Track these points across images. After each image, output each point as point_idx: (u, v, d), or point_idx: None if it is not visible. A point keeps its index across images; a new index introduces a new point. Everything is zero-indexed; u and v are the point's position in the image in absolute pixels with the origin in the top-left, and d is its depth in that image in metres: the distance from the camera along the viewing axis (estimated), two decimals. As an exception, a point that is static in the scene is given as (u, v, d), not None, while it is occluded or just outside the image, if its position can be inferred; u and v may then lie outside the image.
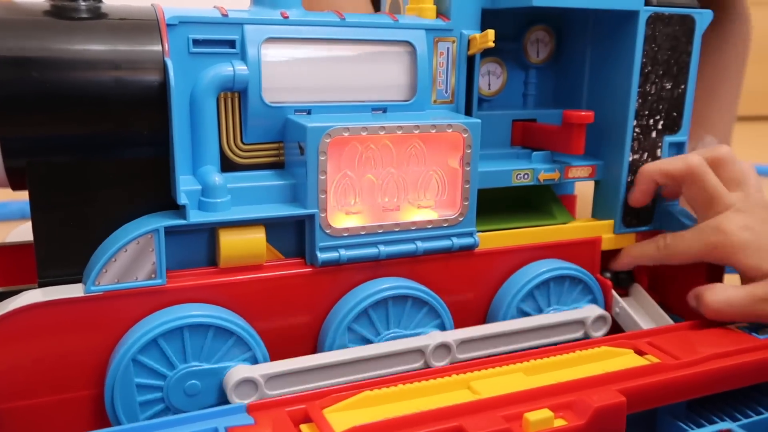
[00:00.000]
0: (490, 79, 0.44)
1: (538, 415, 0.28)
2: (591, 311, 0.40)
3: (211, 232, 0.34)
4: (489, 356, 0.35)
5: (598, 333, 0.40)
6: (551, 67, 0.46)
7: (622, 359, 0.35)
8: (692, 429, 0.34)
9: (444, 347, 0.36)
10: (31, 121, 0.30)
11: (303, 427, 0.28)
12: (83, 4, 0.32)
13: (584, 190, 0.49)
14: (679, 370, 0.33)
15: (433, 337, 0.36)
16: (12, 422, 0.31)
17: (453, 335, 0.36)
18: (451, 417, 0.28)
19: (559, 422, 0.29)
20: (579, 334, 0.39)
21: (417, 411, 0.28)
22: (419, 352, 0.35)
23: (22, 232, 0.44)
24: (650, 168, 0.40)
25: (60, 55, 0.30)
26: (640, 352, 0.35)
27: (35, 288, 0.32)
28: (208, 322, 0.32)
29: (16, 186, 0.32)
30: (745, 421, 0.33)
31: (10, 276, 0.38)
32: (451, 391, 0.31)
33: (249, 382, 0.31)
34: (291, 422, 0.28)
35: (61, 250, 0.32)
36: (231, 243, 0.33)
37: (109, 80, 0.31)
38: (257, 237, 0.33)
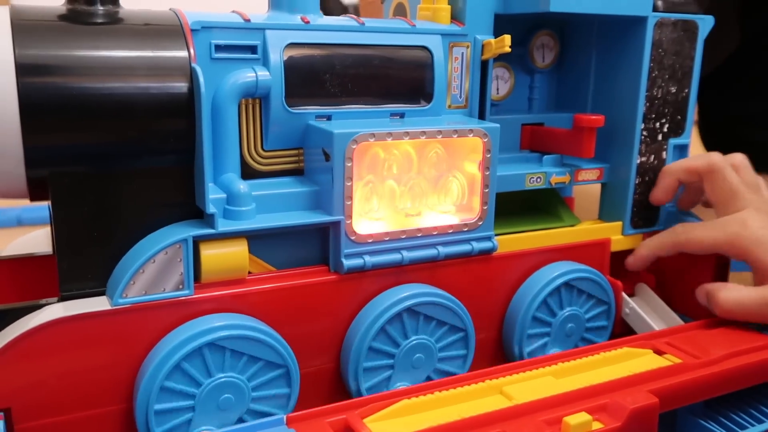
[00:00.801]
0: (498, 83, 0.44)
1: (577, 418, 0.29)
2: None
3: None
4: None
5: None
6: (556, 71, 0.46)
7: (645, 360, 0.35)
8: (712, 426, 0.35)
9: None
10: (55, 130, 0.29)
11: (345, 438, 0.28)
12: (101, 8, 0.31)
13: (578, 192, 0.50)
14: (702, 369, 0.34)
15: None
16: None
17: None
18: (492, 423, 0.28)
19: (597, 425, 0.29)
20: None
21: (458, 418, 0.28)
22: None
23: (21, 244, 0.43)
24: (674, 166, 0.42)
25: (85, 61, 0.29)
26: (659, 352, 0.36)
27: (56, 302, 0.31)
28: (241, 335, 0.31)
29: (35, 197, 0.31)
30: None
31: (15, 291, 0.37)
32: (485, 397, 0.31)
33: None
34: (334, 433, 0.27)
35: (83, 262, 0.31)
36: (212, 257, 0.32)
37: (135, 87, 0.30)
38: (239, 250, 0.32)
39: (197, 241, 0.31)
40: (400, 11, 0.44)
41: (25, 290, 0.37)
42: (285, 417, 0.28)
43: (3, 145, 0.28)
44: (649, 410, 0.30)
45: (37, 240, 0.41)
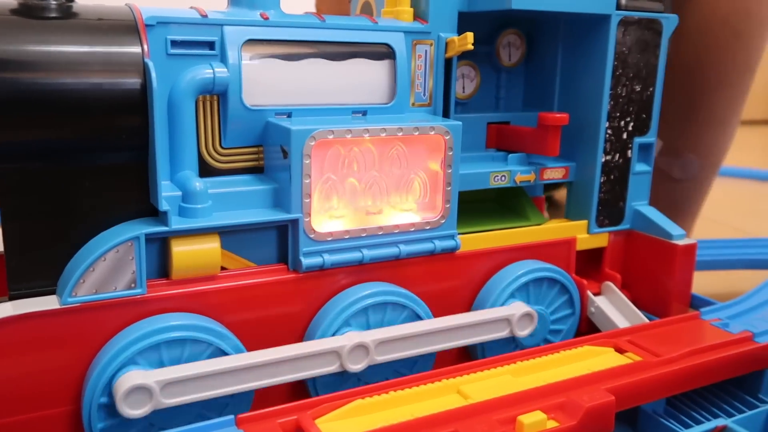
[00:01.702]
0: (464, 82, 0.44)
1: (532, 417, 0.28)
2: (517, 308, 0.38)
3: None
4: (410, 356, 0.35)
5: (524, 331, 0.38)
6: (522, 70, 0.46)
7: (605, 357, 0.35)
8: (673, 425, 0.34)
9: (361, 348, 0.34)
10: (4, 126, 0.28)
11: (296, 439, 0.27)
12: (53, 3, 0.30)
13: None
14: (662, 367, 0.34)
15: (350, 338, 0.33)
16: (-13, 443, 0.29)
17: (371, 335, 0.34)
18: (446, 422, 0.28)
19: (552, 423, 0.29)
20: (505, 333, 0.38)
21: (411, 418, 0.28)
22: (335, 353, 0.33)
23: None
24: None
25: (35, 56, 0.29)
26: (620, 350, 0.36)
27: (5, 301, 0.30)
28: (191, 337, 0.31)
29: (-15, 193, 0.30)
30: (739, 416, 0.33)
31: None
32: (441, 396, 0.31)
33: (142, 390, 0.29)
34: (285, 434, 0.27)
35: (34, 260, 0.30)
36: (184, 254, 0.31)
37: (87, 82, 0.29)
38: (212, 247, 0.32)
39: (168, 238, 0.31)
40: (366, 9, 0.44)
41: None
42: (235, 417, 0.28)
43: (-53, 141, 0.28)
44: (605, 408, 0.30)
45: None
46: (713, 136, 0.55)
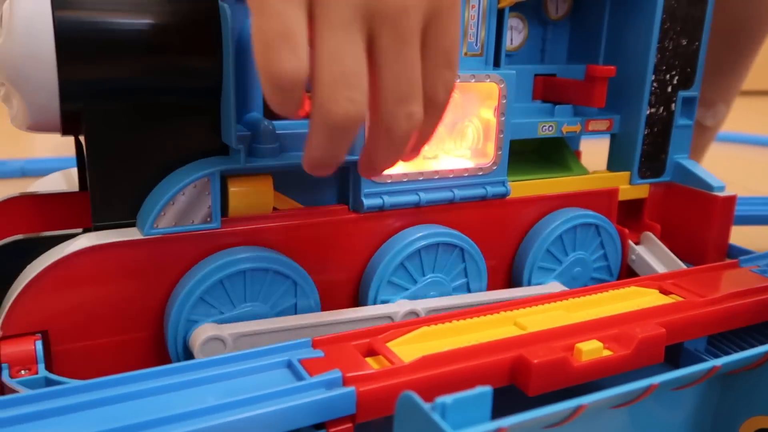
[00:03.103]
0: (513, 34, 0.45)
1: (589, 345, 0.30)
2: (554, 287, 0.40)
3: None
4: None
5: None
6: (568, 23, 0.47)
7: (650, 297, 0.37)
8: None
9: (412, 314, 0.36)
10: (89, 64, 0.30)
11: (369, 359, 0.29)
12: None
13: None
14: (706, 306, 0.35)
15: (401, 305, 0.36)
16: (71, 363, 0.31)
17: (422, 304, 0.36)
18: (509, 348, 0.30)
19: (607, 352, 0.31)
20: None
21: (479, 342, 0.30)
22: (388, 318, 0.35)
23: (43, 184, 0.44)
24: None
25: (116, -3, 0.30)
26: (665, 292, 0.38)
27: (90, 231, 0.32)
28: (270, 267, 0.33)
29: (67, 131, 0.32)
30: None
31: (42, 224, 0.38)
32: (499, 327, 0.33)
33: (217, 341, 0.31)
34: (359, 354, 0.29)
35: (114, 194, 0.32)
36: (239, 193, 0.33)
37: (165, 23, 0.31)
38: (264, 187, 0.34)
39: (225, 177, 0.32)
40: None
41: (52, 225, 0.38)
42: (312, 339, 0.30)
43: (39, 79, 0.29)
44: (657, 340, 0.31)
45: (57, 180, 0.42)
46: (740, 85, 0.57)
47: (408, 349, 0.30)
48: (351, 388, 0.26)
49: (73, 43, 0.29)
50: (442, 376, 0.28)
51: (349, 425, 0.27)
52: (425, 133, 0.30)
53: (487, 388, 0.21)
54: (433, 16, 0.27)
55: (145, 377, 0.27)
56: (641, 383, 0.24)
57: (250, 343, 0.32)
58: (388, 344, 0.30)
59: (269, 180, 0.34)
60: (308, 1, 0.25)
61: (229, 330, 0.31)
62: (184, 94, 0.32)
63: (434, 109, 0.29)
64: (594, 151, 0.55)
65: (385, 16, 0.25)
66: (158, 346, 0.33)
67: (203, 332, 0.31)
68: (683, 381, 0.25)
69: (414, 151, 0.30)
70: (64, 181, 0.42)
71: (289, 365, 0.28)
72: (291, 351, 0.29)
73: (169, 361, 0.33)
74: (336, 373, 0.27)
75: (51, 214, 0.38)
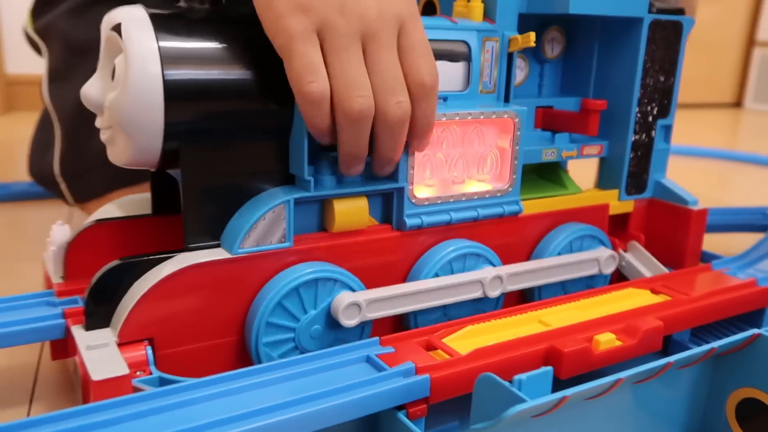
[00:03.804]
0: (515, 71, 0.52)
1: (605, 337, 0.37)
2: (603, 252, 0.49)
3: (321, 203, 0.40)
4: (531, 287, 0.45)
5: (609, 269, 0.49)
6: (562, 61, 0.54)
7: (645, 297, 0.44)
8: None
9: (498, 279, 0.44)
10: (190, 111, 0.35)
11: (431, 353, 0.35)
12: (208, 7, 0.37)
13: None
14: (691, 303, 0.42)
15: (488, 272, 0.44)
16: (172, 365, 0.36)
17: (504, 270, 0.44)
18: (543, 340, 0.36)
19: (618, 342, 0.37)
20: (595, 270, 0.48)
21: (515, 338, 0.36)
22: (479, 282, 0.43)
23: (105, 211, 0.48)
24: None
25: (210, 52, 0.36)
26: (655, 292, 0.45)
27: (182, 252, 0.37)
28: (334, 277, 0.38)
29: (160, 166, 0.37)
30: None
31: (126, 245, 0.43)
32: (528, 324, 0.39)
33: (354, 306, 0.38)
34: (422, 349, 0.35)
35: (203, 220, 0.37)
36: (343, 211, 0.39)
37: (249, 76, 0.36)
38: (362, 206, 0.40)
39: (331, 198, 0.39)
40: (429, 8, 0.51)
41: (131, 246, 0.43)
42: (379, 339, 0.36)
43: (147, 124, 0.35)
44: (657, 331, 0.38)
45: (115, 208, 0.47)
46: None
47: (460, 343, 0.36)
48: (426, 376, 0.32)
49: (178, 93, 0.35)
50: (493, 364, 0.34)
51: (424, 406, 0.33)
52: (427, 119, 0.38)
53: (549, 368, 0.28)
54: (402, 26, 0.37)
55: (246, 375, 0.33)
56: (660, 362, 0.30)
57: (378, 308, 0.39)
58: (444, 340, 0.36)
59: (365, 201, 0.40)
60: (321, 38, 0.35)
61: (363, 296, 0.38)
62: (261, 133, 0.38)
63: (426, 93, 0.37)
64: (575, 168, 0.62)
65: (371, 35, 0.35)
66: (240, 350, 0.38)
67: (343, 299, 0.38)
68: (690, 359, 0.32)
69: (424, 139, 0.39)
70: (118, 209, 0.47)
71: (369, 359, 0.34)
72: (366, 348, 0.35)
73: (248, 363, 0.38)
74: (410, 365, 0.33)
75: (128, 237, 0.43)
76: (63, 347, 0.39)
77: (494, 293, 0.44)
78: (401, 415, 0.32)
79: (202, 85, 0.35)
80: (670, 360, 0.30)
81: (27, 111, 1.47)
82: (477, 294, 0.43)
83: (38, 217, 0.75)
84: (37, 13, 0.65)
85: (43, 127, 0.65)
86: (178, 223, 0.43)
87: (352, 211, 0.40)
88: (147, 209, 0.44)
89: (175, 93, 0.34)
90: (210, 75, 0.35)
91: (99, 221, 0.42)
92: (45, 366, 0.44)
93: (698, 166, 1.15)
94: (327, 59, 0.35)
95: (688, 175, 1.01)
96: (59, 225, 0.43)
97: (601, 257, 0.48)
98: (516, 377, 0.27)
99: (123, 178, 0.57)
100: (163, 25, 0.35)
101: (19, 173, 0.93)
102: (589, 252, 0.48)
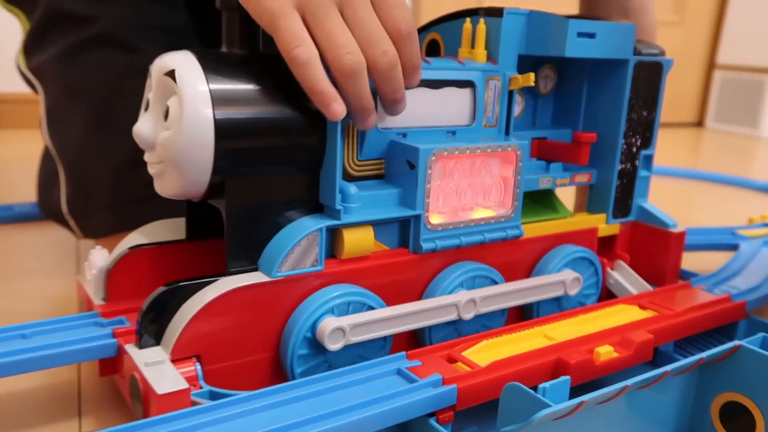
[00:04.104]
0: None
1: (604, 349, 0.41)
2: (569, 274, 0.52)
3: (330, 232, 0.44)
4: (503, 309, 0.49)
5: (573, 291, 0.52)
6: (553, 97, 0.59)
7: (634, 312, 0.49)
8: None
9: (471, 302, 0.47)
10: (236, 147, 0.39)
11: (454, 365, 0.39)
12: (247, 52, 0.41)
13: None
14: (676, 317, 0.48)
15: (463, 295, 0.47)
16: (220, 380, 0.40)
17: (478, 293, 0.47)
18: (551, 352, 0.41)
19: (616, 354, 0.42)
20: (560, 292, 0.52)
21: (528, 350, 0.40)
22: (454, 306, 0.46)
23: (139, 237, 0.51)
24: None
25: (253, 93, 0.40)
26: (643, 307, 0.50)
27: (225, 276, 0.41)
28: (363, 301, 0.42)
29: (204, 197, 0.41)
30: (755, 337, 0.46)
31: (166, 269, 0.47)
32: (534, 339, 0.44)
33: (338, 330, 0.41)
34: (445, 362, 0.39)
35: (244, 247, 0.41)
36: (352, 239, 0.43)
37: (289, 116, 0.40)
38: (369, 235, 0.44)
39: (340, 228, 0.42)
40: (433, 45, 0.56)
41: (171, 270, 0.46)
42: (405, 353, 0.40)
43: (197, 160, 0.38)
44: (648, 343, 0.43)
45: (151, 231, 0.50)
46: None
47: (479, 356, 0.40)
48: (453, 386, 0.36)
49: (226, 132, 0.38)
50: (509, 374, 0.39)
51: (451, 413, 0.37)
52: (412, 59, 0.42)
53: (567, 378, 0.32)
54: None
55: (289, 388, 0.37)
56: (659, 370, 0.35)
57: (360, 332, 0.42)
58: (463, 353, 0.40)
59: (371, 230, 0.44)
60: (301, 12, 0.39)
61: (346, 321, 0.41)
62: (296, 166, 0.42)
63: (405, 39, 0.41)
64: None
65: (346, 1, 0.40)
66: (274, 366, 0.42)
67: (328, 324, 0.40)
68: (683, 368, 0.37)
69: (413, 78, 0.43)
70: (152, 234, 0.50)
71: (399, 372, 0.38)
72: (395, 362, 0.39)
73: (281, 377, 0.42)
74: (437, 376, 0.37)
75: (166, 261, 0.46)
76: (111, 364, 0.42)
77: (468, 316, 0.46)
78: (432, 422, 0.36)
79: (248, 124, 0.39)
80: (667, 369, 0.35)
81: (12, 129, 1.48)
82: (452, 316, 0.46)
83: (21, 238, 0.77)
84: (29, 51, 0.65)
85: (46, 163, 0.66)
86: (210, 248, 0.47)
87: (360, 240, 0.44)
88: (177, 235, 0.48)
89: (224, 132, 0.38)
90: (254, 115, 0.39)
91: (138, 246, 0.46)
92: (85, 383, 0.46)
93: (663, 185, 1.21)
94: (311, 30, 0.39)
95: (655, 195, 1.07)
96: (98, 250, 0.46)
97: (567, 279, 0.52)
98: (540, 386, 0.31)
99: (130, 221, 0.56)
100: (211, 69, 0.39)
101: (5, 194, 0.95)
102: (557, 274, 0.52)
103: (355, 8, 0.40)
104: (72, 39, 0.59)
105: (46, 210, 0.67)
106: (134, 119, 0.42)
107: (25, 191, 0.90)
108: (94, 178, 0.59)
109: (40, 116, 0.65)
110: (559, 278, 0.51)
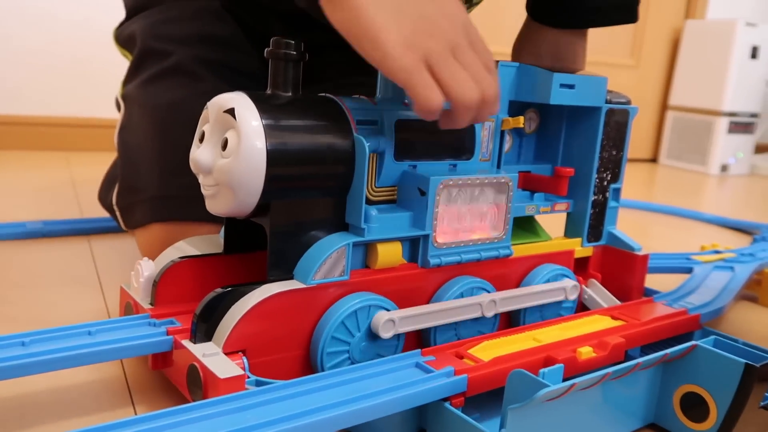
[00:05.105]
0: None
1: (585, 349, 0.49)
2: (568, 282, 0.62)
3: (365, 246, 0.51)
4: (518, 311, 0.57)
5: (573, 296, 0.61)
6: (536, 136, 0.68)
7: (606, 322, 0.57)
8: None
9: (492, 302, 0.56)
10: (282, 174, 0.46)
11: (463, 360, 0.47)
12: (290, 95, 0.49)
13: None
14: (642, 326, 0.56)
15: (485, 297, 0.55)
16: (258, 372, 0.46)
17: (498, 295, 0.56)
18: (541, 351, 0.48)
19: (594, 354, 0.50)
20: (561, 297, 0.61)
21: (522, 349, 0.48)
22: (478, 305, 0.55)
23: (180, 250, 0.58)
24: None
25: (297, 128, 0.47)
26: (614, 318, 0.58)
27: (266, 283, 0.47)
28: (381, 305, 0.50)
29: (250, 216, 0.48)
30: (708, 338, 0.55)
31: (206, 278, 0.53)
32: (525, 341, 0.51)
33: (389, 321, 0.49)
34: (455, 357, 0.47)
35: (282, 258, 0.48)
36: (385, 252, 0.51)
37: (326, 147, 0.48)
38: (398, 249, 0.52)
39: (375, 243, 0.50)
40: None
41: (211, 280, 0.52)
42: (420, 351, 0.47)
43: (250, 184, 0.45)
44: (621, 345, 0.51)
45: (189, 246, 0.57)
46: None
47: (482, 353, 0.48)
48: (464, 376, 0.44)
49: (276, 161, 0.46)
50: (509, 367, 0.46)
51: (462, 399, 0.44)
52: (497, 89, 0.50)
53: (561, 365, 0.40)
54: (469, 39, 0.49)
55: (323, 377, 0.43)
56: (631, 363, 0.43)
57: (408, 323, 0.50)
58: (469, 351, 0.48)
59: (399, 245, 0.51)
60: (426, 63, 0.46)
61: (397, 314, 0.49)
62: (328, 190, 0.49)
63: (493, 71, 0.51)
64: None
65: (455, 44, 0.47)
66: (305, 362, 0.49)
67: (382, 317, 0.48)
68: (651, 362, 0.45)
69: (497, 105, 0.51)
70: (191, 247, 0.56)
71: (417, 365, 0.45)
72: (412, 358, 0.46)
73: (311, 373, 0.49)
74: (450, 368, 0.44)
75: (207, 271, 0.53)
76: (163, 359, 0.48)
77: (490, 313, 0.55)
78: (447, 405, 0.43)
79: (292, 155, 0.46)
80: (639, 361, 0.43)
81: (8, 150, 1.51)
82: (477, 314, 0.55)
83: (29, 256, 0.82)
84: (125, 82, 0.80)
85: (115, 166, 0.80)
86: (244, 260, 0.54)
87: (392, 253, 0.51)
88: (215, 249, 0.55)
89: (274, 161, 0.45)
90: (297, 147, 0.47)
91: (182, 258, 0.52)
92: (130, 377, 0.52)
93: (623, 216, 1.32)
94: (437, 76, 0.46)
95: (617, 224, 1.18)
96: (145, 261, 0.53)
97: (567, 287, 0.61)
98: (541, 371, 0.39)
99: (159, 214, 0.68)
100: (263, 108, 0.46)
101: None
102: (559, 282, 0.61)
103: (463, 51, 0.47)
104: (153, 70, 0.73)
105: (102, 201, 0.81)
106: (187, 134, 0.49)
107: (36, 209, 0.94)
108: (142, 179, 0.70)
109: (116, 128, 0.78)
110: (561, 286, 0.60)
